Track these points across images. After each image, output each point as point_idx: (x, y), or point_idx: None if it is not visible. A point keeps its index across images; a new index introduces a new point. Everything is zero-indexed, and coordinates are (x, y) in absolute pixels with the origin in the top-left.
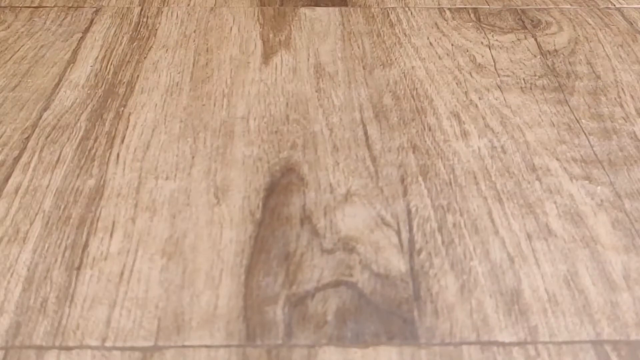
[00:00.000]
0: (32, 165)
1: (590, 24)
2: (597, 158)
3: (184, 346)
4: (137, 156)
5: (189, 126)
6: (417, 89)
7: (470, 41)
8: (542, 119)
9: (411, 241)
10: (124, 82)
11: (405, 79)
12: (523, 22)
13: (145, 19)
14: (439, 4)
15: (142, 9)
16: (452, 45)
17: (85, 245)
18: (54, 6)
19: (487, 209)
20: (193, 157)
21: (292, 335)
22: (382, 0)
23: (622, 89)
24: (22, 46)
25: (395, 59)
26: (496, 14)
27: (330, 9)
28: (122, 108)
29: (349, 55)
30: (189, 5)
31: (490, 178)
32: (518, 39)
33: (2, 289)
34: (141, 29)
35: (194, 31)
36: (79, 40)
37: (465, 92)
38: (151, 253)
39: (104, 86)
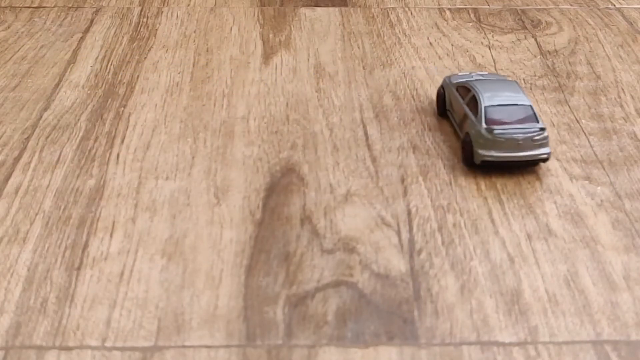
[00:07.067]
0: (32, 165)
1: (590, 24)
2: (597, 158)
3: (184, 346)
4: (137, 156)
5: (189, 126)
6: (417, 89)
7: (471, 41)
8: (542, 119)
9: (411, 241)
10: (124, 82)
11: (405, 79)
12: (523, 22)
13: (145, 19)
14: (439, 4)
15: (142, 9)
16: (452, 45)
17: (85, 245)
18: (54, 6)
19: (487, 209)
20: (193, 157)
21: (292, 335)
22: (382, 0)
23: (622, 89)
24: (22, 46)
25: (395, 59)
26: (496, 14)
27: (330, 9)
28: (122, 108)
29: (349, 55)
30: (189, 5)
31: (491, 178)
32: (518, 39)
33: (2, 289)
34: (141, 29)
35: (194, 31)
36: (79, 40)
37: None
38: (151, 253)
39: (104, 86)
